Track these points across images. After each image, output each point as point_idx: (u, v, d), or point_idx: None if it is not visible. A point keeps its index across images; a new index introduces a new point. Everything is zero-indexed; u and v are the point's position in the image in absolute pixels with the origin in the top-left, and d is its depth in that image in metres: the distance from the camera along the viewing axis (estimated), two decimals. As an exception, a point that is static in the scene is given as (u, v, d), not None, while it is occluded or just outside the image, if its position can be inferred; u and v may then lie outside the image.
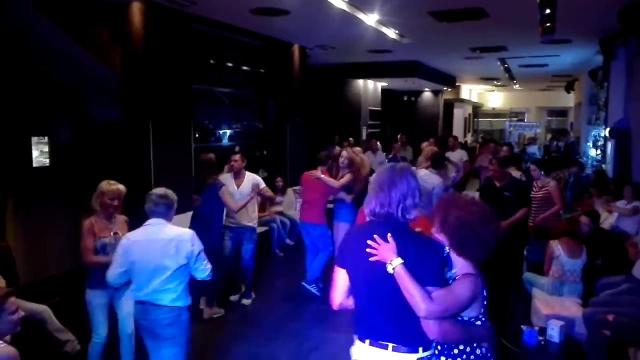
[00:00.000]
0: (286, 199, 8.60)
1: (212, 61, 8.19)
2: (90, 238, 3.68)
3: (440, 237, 2.27)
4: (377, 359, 2.25)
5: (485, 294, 2.23)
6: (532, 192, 6.30)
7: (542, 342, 3.80)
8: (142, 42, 6.17)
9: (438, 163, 6.09)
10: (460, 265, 2.24)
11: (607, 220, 6.36)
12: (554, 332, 3.83)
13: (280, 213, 8.15)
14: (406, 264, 2.12)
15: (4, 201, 5.80)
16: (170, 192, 3.38)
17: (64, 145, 6.52)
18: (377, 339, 2.25)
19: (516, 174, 7.70)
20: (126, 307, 3.76)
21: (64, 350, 4.21)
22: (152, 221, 3.29)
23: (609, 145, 9.27)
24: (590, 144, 11.96)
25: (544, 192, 6.21)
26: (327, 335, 4.86)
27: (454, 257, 2.26)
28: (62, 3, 5.70)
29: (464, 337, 2.19)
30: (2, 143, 5.74)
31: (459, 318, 2.19)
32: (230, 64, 8.68)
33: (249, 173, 5.69)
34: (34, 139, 6.24)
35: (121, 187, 3.83)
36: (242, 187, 5.50)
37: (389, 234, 2.17)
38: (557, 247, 5.00)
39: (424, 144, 8.76)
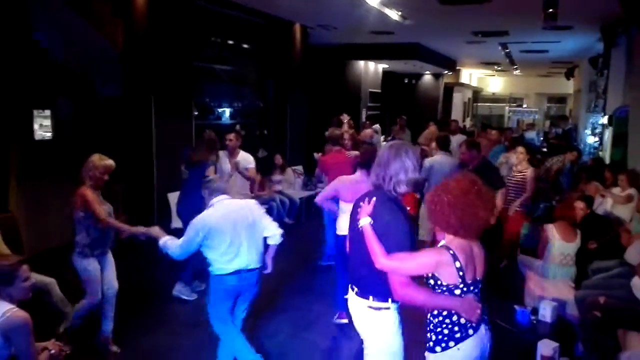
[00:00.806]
0: (286, 178, 8.65)
1: (213, 38, 8.17)
2: (98, 204, 3.79)
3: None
4: (350, 299, 2.74)
5: (464, 267, 2.35)
6: (509, 176, 6.34)
7: (535, 322, 3.92)
8: (144, 16, 6.16)
9: (445, 145, 6.16)
10: (446, 238, 2.45)
11: (602, 205, 6.45)
12: (546, 312, 3.94)
13: (280, 192, 8.22)
14: (376, 227, 2.46)
15: (7, 173, 5.84)
16: None
17: (66, 119, 6.53)
18: (351, 283, 2.74)
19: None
20: (111, 270, 4.09)
21: (64, 322, 4.22)
22: (221, 197, 3.55)
23: (607, 133, 9.34)
24: (588, 131, 12.02)
25: (520, 177, 6.19)
26: (328, 310, 4.96)
27: None
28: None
29: (429, 304, 2.40)
30: (5, 116, 5.76)
31: (436, 288, 2.38)
32: (231, 42, 8.66)
33: (243, 152, 5.74)
34: (35, 113, 6.26)
35: (112, 162, 3.95)
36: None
37: (373, 199, 2.55)
38: (551, 231, 5.09)
39: (432, 127, 8.86)
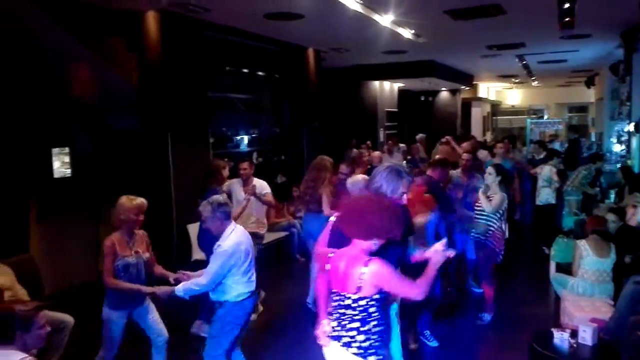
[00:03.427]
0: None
1: (227, 68, 8.21)
2: (110, 258, 3.56)
3: None
4: None
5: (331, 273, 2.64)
6: (477, 202, 5.30)
7: (574, 345, 3.69)
8: (158, 50, 6.20)
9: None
10: None
11: (634, 217, 6.17)
12: (587, 334, 3.71)
13: (301, 218, 8.12)
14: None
15: (27, 212, 5.85)
16: None
17: (84, 156, 6.57)
18: None
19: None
20: (154, 317, 3.87)
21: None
22: (232, 223, 3.63)
23: (634, 140, 9.05)
24: (614, 139, 11.71)
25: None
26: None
27: None
28: (78, 14, 5.75)
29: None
30: (24, 154, 5.80)
31: None
32: (245, 70, 8.69)
33: (257, 179, 5.66)
34: (55, 150, 6.30)
35: (143, 200, 3.73)
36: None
37: None
38: (584, 247, 4.86)
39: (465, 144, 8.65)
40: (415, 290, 2.48)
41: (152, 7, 6.04)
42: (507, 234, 5.45)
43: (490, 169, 5.25)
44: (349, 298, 2.49)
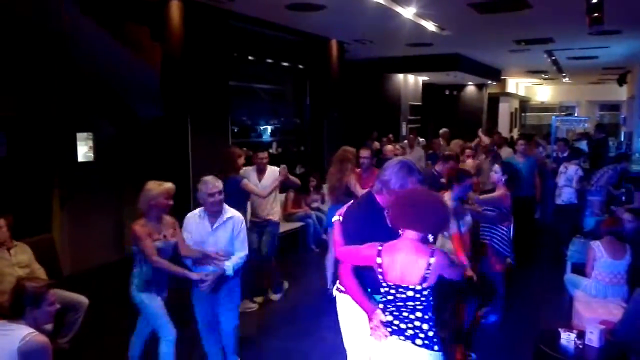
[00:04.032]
0: (322, 196, 8.59)
1: (250, 57, 8.26)
2: (149, 239, 3.52)
3: None
4: None
5: (385, 266, 2.54)
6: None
7: (581, 347, 3.64)
8: (181, 39, 6.28)
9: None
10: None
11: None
12: (593, 336, 3.65)
13: (317, 209, 8.17)
14: (344, 223, 2.89)
15: (51, 194, 6.05)
16: None
17: (107, 141, 6.74)
18: None
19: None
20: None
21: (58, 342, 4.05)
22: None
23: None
24: (643, 139, 11.40)
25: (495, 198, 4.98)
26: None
27: None
28: (105, 3, 5.87)
29: (353, 298, 2.73)
30: (50, 138, 5.99)
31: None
32: (268, 60, 8.73)
33: (271, 167, 5.73)
34: (81, 135, 6.49)
35: (171, 184, 3.68)
36: (264, 181, 5.59)
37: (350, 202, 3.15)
38: (598, 248, 4.78)
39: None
40: (460, 269, 2.69)
41: (176, -4, 6.13)
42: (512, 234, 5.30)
43: (496, 167, 5.11)
44: (410, 289, 2.46)
